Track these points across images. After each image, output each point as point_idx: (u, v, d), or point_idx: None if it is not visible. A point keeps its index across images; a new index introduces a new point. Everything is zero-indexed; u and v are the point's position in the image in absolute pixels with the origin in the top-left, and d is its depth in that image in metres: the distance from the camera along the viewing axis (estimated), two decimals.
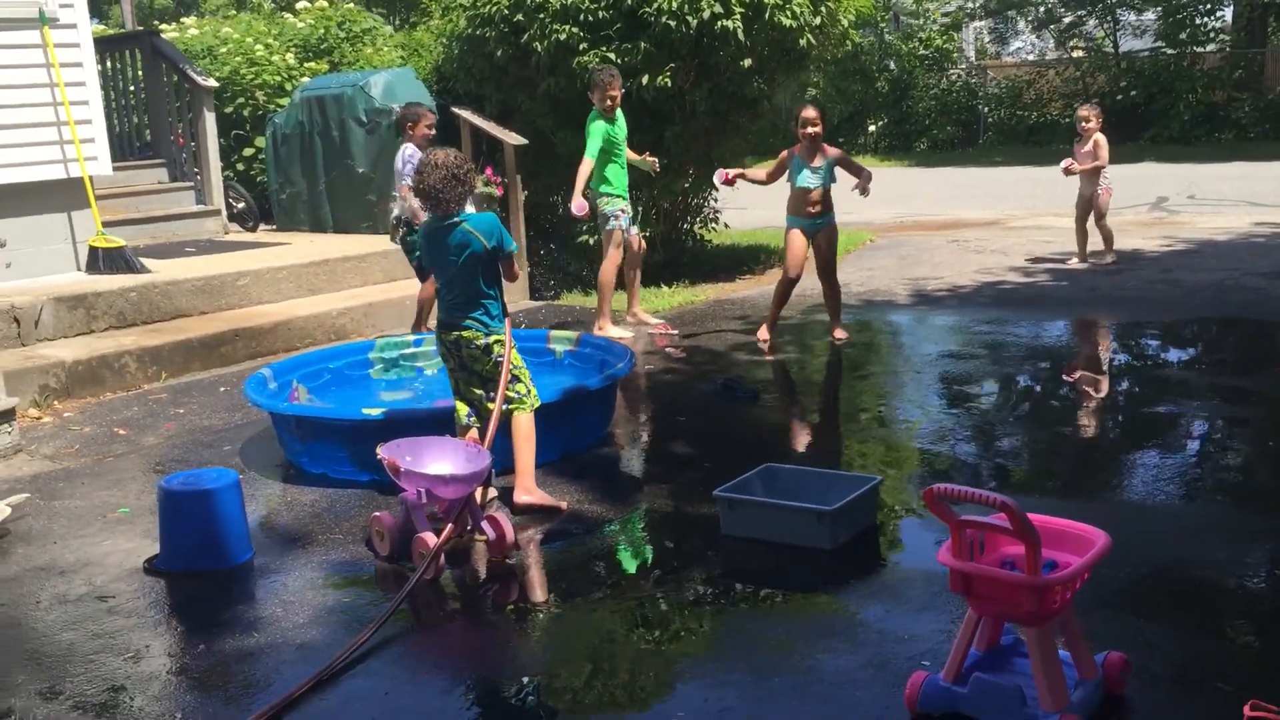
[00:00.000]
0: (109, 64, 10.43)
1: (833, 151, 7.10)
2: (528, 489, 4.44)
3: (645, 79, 8.53)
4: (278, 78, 11.63)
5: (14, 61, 7.51)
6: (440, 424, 4.49)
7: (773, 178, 7.18)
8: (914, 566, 3.84)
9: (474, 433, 4.40)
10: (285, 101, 11.03)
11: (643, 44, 8.51)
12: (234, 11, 22.42)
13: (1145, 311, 7.83)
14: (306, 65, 11.93)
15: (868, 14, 11.96)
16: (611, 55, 8.47)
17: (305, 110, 9.99)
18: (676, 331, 7.74)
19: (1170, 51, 22.77)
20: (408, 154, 6.85)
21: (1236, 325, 7.48)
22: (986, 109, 24.35)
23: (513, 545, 4.07)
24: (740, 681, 3.11)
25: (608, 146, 7.40)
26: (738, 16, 8.45)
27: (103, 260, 7.81)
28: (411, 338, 6.56)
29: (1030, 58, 27.66)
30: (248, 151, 11.57)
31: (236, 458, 5.32)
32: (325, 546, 4.23)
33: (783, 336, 7.44)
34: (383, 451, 3.93)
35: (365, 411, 4.87)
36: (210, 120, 9.98)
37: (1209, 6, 22.71)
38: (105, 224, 8.04)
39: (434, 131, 6.98)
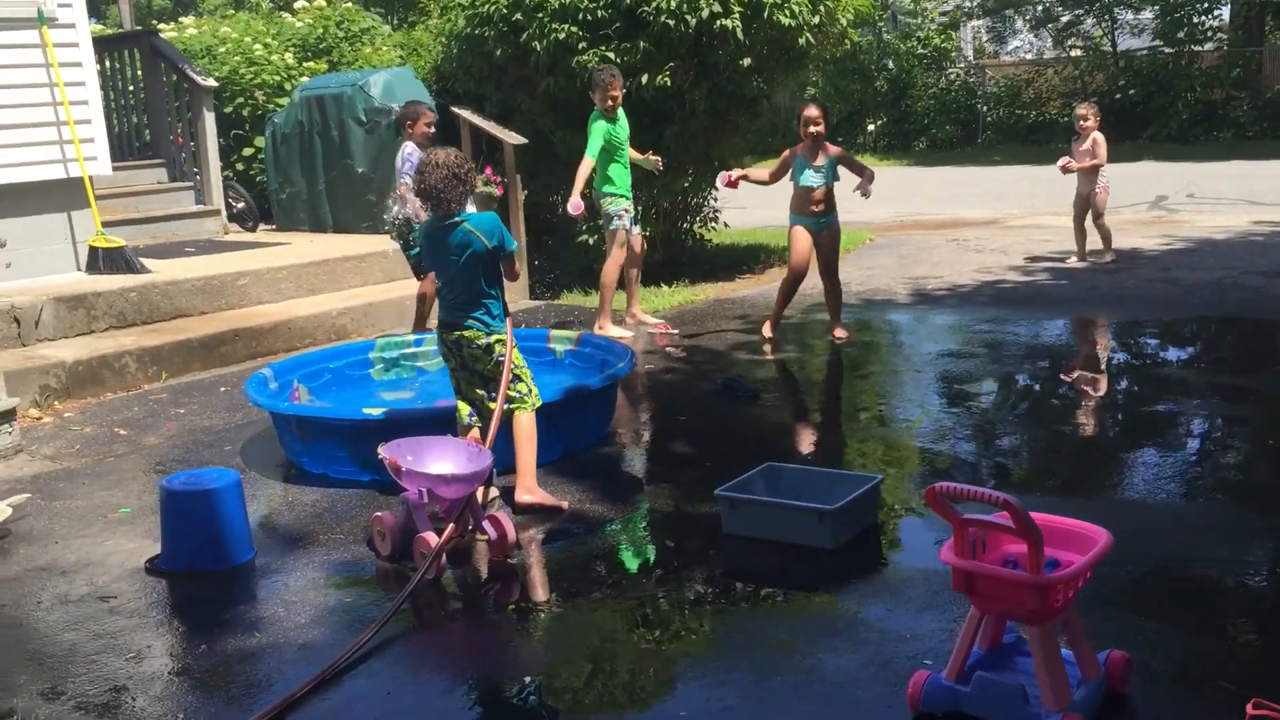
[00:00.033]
0: (108, 64, 10.42)
1: (834, 150, 7.10)
2: (529, 488, 4.44)
3: (644, 78, 8.54)
4: (277, 77, 11.63)
5: (13, 61, 7.50)
6: (441, 424, 4.49)
7: (775, 177, 7.19)
8: (915, 565, 3.85)
9: (475, 432, 4.40)
10: (284, 101, 11.03)
11: (642, 43, 8.52)
12: (232, 11, 22.41)
13: (1144, 310, 7.84)
14: (305, 65, 11.93)
15: (866, 13, 11.97)
16: (610, 54, 8.47)
17: (305, 110, 9.99)
18: (677, 331, 7.75)
19: (1168, 50, 22.80)
20: (406, 152, 6.85)
21: (1235, 324, 7.49)
22: (985, 108, 24.37)
23: (514, 545, 4.07)
24: (742, 681, 3.11)
25: (610, 146, 7.40)
26: (736, 15, 8.45)
27: (103, 260, 7.81)
28: (412, 337, 6.56)
29: (1028, 57, 27.68)
30: (247, 151, 11.57)
31: (237, 458, 5.32)
32: (326, 546, 4.23)
33: (783, 336, 7.44)
34: (384, 451, 3.93)
35: (366, 411, 4.87)
36: (209, 120, 9.98)
37: (1206, 5, 22.73)
38: (105, 224, 8.04)
39: (433, 129, 6.98)
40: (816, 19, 8.94)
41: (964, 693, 2.80)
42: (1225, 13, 23.48)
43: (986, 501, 2.67)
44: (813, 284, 7.58)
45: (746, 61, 8.75)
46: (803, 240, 7.14)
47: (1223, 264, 9.32)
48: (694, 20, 8.37)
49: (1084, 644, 2.84)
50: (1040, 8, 25.96)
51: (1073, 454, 5.07)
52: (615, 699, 3.13)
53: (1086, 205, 9.52)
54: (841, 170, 7.12)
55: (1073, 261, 9.66)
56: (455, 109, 9.25)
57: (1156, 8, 23.45)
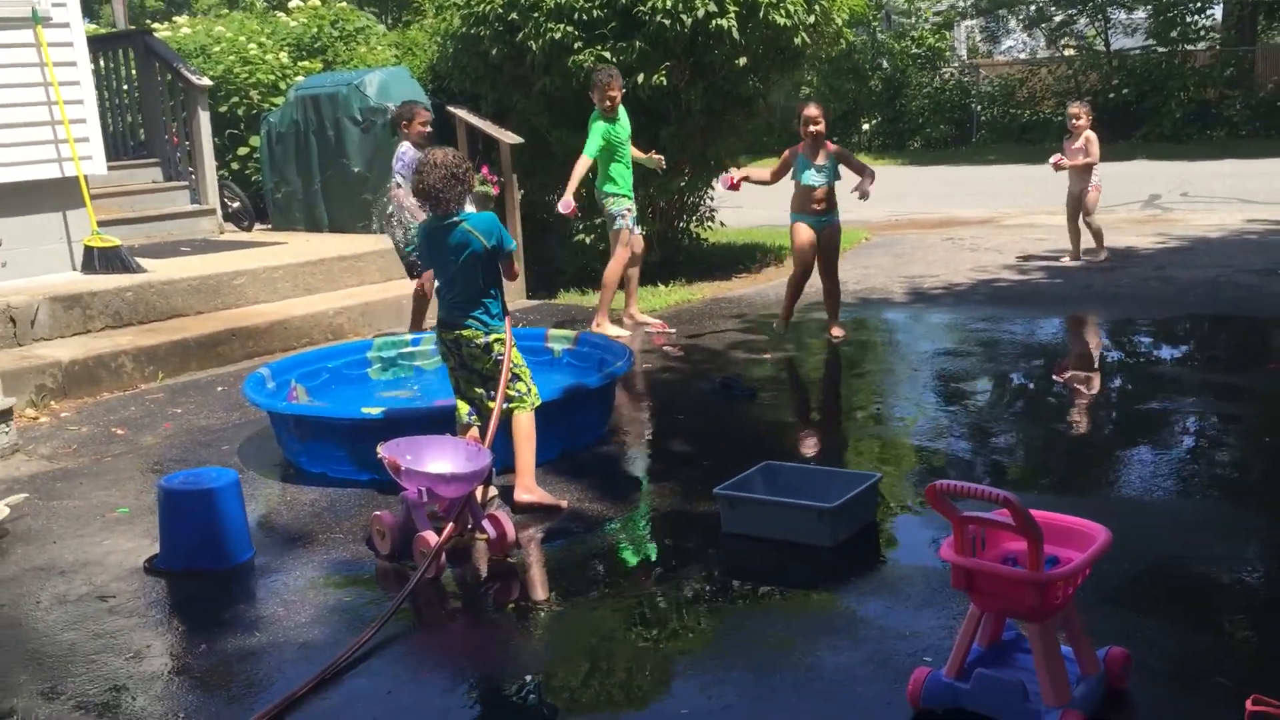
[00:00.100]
0: (102, 63, 10.40)
1: (833, 148, 7.11)
2: (528, 487, 4.45)
3: (641, 78, 8.54)
4: (271, 77, 11.61)
5: (8, 61, 7.49)
6: (440, 423, 4.49)
7: (777, 177, 7.20)
8: (914, 563, 3.86)
9: (474, 431, 4.40)
10: (279, 100, 11.01)
11: (638, 43, 8.52)
12: (226, 10, 22.36)
13: (1139, 308, 7.86)
14: (300, 64, 11.90)
15: (860, 13, 11.97)
16: (606, 54, 8.48)
17: (300, 109, 9.98)
18: (674, 330, 7.75)
19: (1161, 50, 22.84)
20: (401, 151, 6.85)
21: (1229, 322, 7.51)
22: (979, 107, 24.40)
23: (513, 544, 4.07)
24: (741, 679, 3.12)
25: (611, 146, 7.41)
26: (732, 15, 8.46)
27: (98, 260, 7.79)
28: (409, 337, 6.56)
29: (1022, 56, 27.70)
30: (242, 151, 11.55)
31: (235, 457, 5.32)
32: (326, 546, 4.23)
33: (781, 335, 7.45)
34: (383, 450, 3.94)
35: (364, 411, 4.87)
36: (204, 119, 9.96)
37: (1199, 5, 22.77)
38: (100, 223, 8.03)
39: (429, 128, 6.97)
40: (812, 18, 8.95)
41: (964, 690, 2.81)
42: (1218, 12, 23.54)
43: (986, 499, 2.68)
44: (811, 283, 7.58)
45: (742, 61, 8.76)
46: (804, 235, 7.14)
47: (1217, 262, 9.34)
48: (689, 20, 8.38)
49: (1083, 641, 2.85)
50: (1034, 7, 25.97)
51: (1069, 452, 5.08)
52: (614, 697, 3.14)
53: (1079, 204, 9.54)
54: (842, 169, 7.13)
55: (1067, 260, 9.69)
56: (451, 108, 9.24)
57: (1149, 7, 23.47)
